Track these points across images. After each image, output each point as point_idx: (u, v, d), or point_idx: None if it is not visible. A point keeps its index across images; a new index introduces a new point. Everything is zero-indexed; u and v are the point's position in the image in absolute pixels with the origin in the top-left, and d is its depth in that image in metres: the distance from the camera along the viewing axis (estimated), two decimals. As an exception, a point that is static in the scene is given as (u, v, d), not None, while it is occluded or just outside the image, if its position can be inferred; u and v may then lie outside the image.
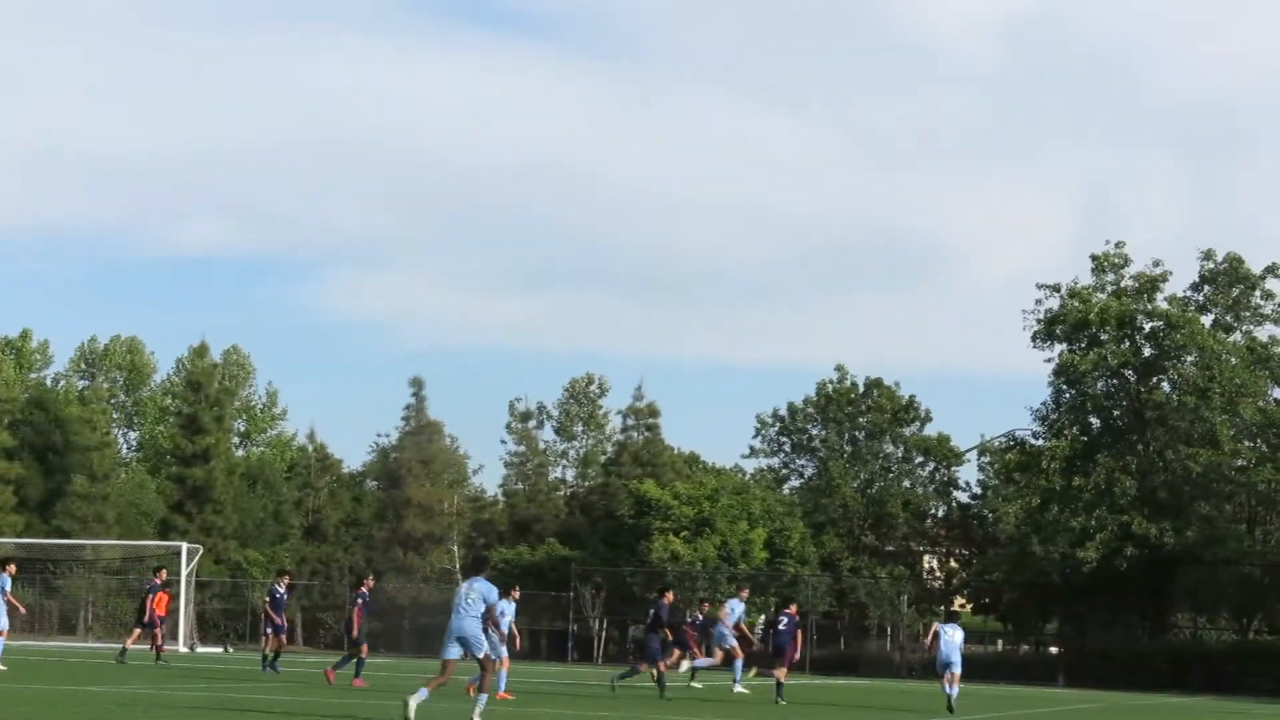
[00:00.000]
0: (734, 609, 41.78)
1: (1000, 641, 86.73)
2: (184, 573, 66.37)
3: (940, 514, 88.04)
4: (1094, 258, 72.93)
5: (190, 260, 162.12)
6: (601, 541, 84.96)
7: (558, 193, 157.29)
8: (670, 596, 38.99)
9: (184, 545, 68.47)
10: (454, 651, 24.11)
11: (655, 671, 36.31)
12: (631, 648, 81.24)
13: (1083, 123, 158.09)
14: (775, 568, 78.18)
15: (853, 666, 70.72)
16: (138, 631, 48.04)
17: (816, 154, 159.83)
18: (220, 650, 67.92)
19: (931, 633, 34.53)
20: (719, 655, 40.77)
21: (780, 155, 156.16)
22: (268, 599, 45.62)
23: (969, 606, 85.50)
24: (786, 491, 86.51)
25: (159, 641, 47.76)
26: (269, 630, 44.53)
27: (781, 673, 37.05)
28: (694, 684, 41.32)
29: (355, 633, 38.19)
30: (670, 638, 39.40)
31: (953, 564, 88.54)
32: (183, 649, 62.57)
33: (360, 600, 38.71)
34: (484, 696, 24.47)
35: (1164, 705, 45.15)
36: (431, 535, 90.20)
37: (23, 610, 45.48)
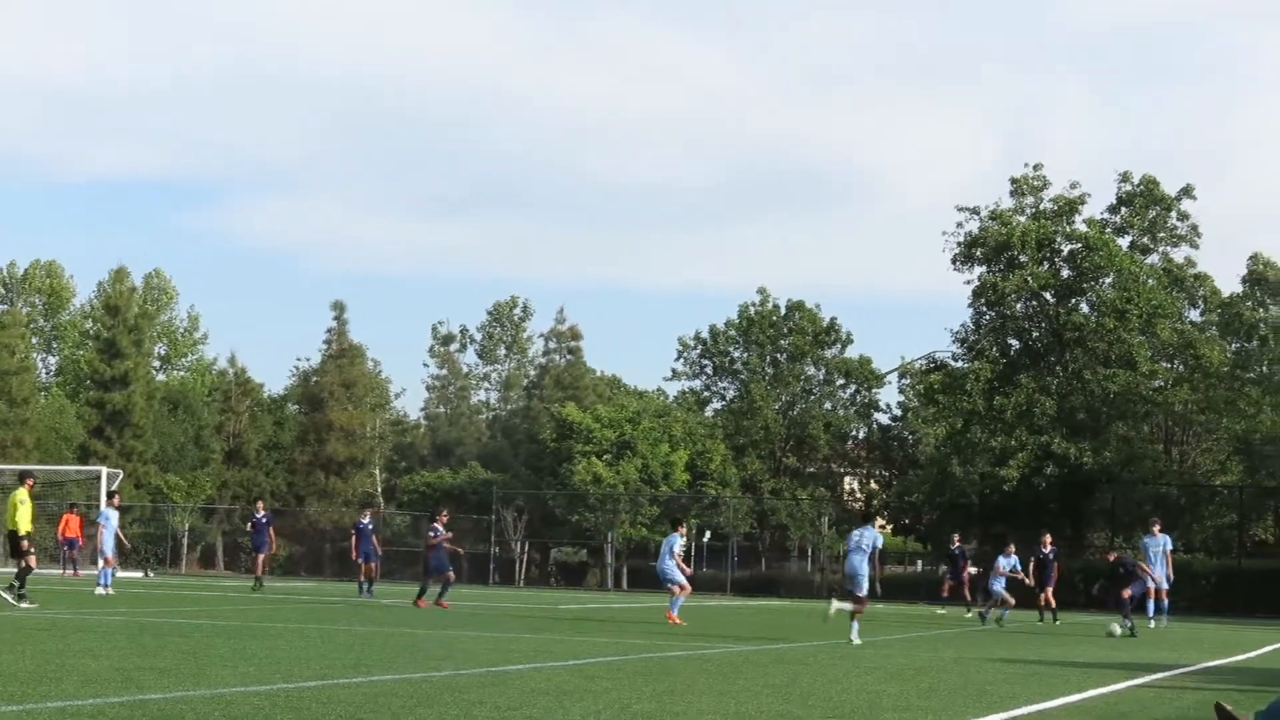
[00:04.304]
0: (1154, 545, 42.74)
1: (920, 562, 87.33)
2: (104, 497, 66.09)
3: (861, 436, 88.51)
4: (1013, 181, 73.29)
5: (112, 184, 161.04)
6: (524, 465, 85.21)
7: (480, 115, 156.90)
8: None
9: (104, 470, 68.21)
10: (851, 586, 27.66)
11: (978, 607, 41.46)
12: (553, 570, 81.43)
13: (1001, 46, 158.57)
14: (697, 490, 78.62)
15: (773, 588, 71.05)
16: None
17: (737, 77, 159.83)
18: (140, 575, 67.68)
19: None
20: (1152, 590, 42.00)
21: (701, 79, 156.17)
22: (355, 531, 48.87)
23: (889, 528, 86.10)
24: (708, 414, 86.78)
25: (75, 566, 47.55)
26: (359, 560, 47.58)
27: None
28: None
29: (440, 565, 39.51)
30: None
31: (873, 485, 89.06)
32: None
33: (434, 534, 39.64)
34: (855, 625, 26.92)
35: (1080, 623, 45.64)
36: (353, 459, 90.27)
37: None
